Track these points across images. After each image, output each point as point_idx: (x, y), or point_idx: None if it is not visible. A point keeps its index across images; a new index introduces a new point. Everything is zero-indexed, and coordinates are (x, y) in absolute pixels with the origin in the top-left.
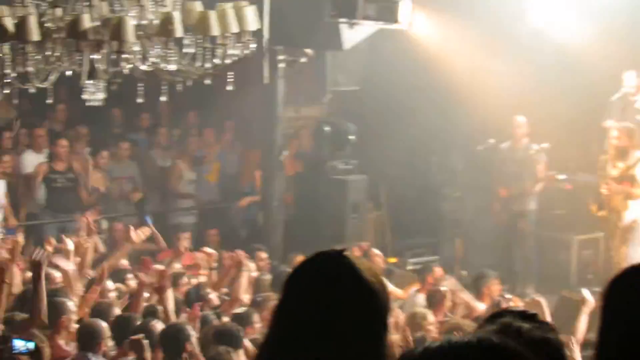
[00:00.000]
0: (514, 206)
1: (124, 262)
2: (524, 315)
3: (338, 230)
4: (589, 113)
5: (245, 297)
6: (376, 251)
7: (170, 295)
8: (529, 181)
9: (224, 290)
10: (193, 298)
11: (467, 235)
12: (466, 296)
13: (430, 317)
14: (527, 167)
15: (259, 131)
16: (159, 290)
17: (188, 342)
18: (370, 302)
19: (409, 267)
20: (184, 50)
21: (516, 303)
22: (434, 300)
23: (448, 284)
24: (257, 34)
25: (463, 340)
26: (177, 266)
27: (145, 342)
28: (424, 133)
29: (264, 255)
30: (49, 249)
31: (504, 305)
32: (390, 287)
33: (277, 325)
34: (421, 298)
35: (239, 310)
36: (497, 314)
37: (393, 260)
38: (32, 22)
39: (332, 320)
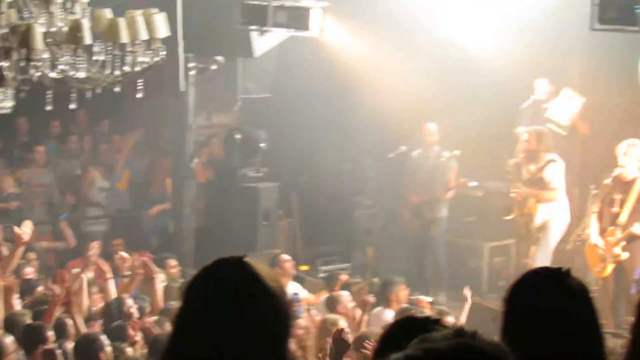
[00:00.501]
0: (425, 213)
1: (29, 271)
2: (428, 321)
3: (249, 237)
4: (500, 120)
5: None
6: (286, 257)
7: (83, 305)
8: (440, 188)
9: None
10: (114, 310)
11: (379, 243)
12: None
13: (342, 322)
14: (438, 174)
15: (170, 139)
16: (67, 305)
17: (102, 351)
18: (271, 307)
19: (321, 275)
20: (94, 57)
21: (423, 305)
22: (333, 302)
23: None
24: (170, 41)
25: (440, 347)
26: (89, 275)
27: (58, 351)
28: (336, 140)
29: (173, 262)
30: None
31: (413, 311)
32: (303, 293)
33: (178, 332)
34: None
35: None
36: (401, 321)
37: (305, 267)
38: None
39: (232, 325)
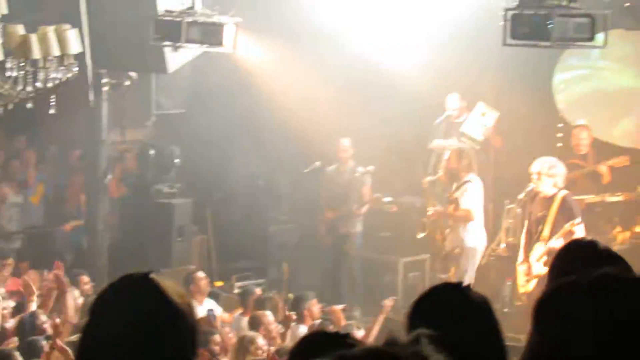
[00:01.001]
0: (340, 229)
1: None
2: (337, 335)
3: (164, 253)
4: (414, 136)
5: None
6: (201, 274)
7: None
8: (354, 203)
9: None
10: (27, 326)
11: (294, 259)
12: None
13: (260, 340)
14: (352, 189)
15: (84, 154)
16: None
17: None
18: (177, 323)
19: (236, 291)
20: (6, 74)
21: (338, 315)
22: (255, 323)
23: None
24: (81, 57)
25: (353, 353)
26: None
27: None
28: (250, 156)
29: (86, 279)
30: None
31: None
32: (218, 310)
33: (84, 348)
34: (245, 321)
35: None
36: (310, 336)
37: (219, 283)
38: None
39: (138, 342)
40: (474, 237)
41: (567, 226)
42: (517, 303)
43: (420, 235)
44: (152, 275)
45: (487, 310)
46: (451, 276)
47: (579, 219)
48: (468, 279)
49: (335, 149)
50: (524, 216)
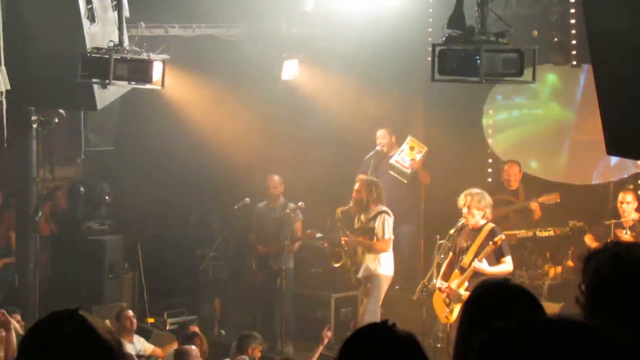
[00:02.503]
0: (271, 265)
1: None
2: None
3: (95, 290)
4: (345, 171)
5: None
6: (130, 312)
7: None
8: (286, 240)
9: None
10: None
11: (226, 295)
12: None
13: None
14: (284, 225)
15: (14, 192)
16: None
17: None
18: (106, 358)
19: (168, 327)
20: None
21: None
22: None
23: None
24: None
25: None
26: None
27: None
28: (180, 192)
29: (18, 317)
30: None
31: None
32: (148, 346)
33: None
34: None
35: None
36: None
37: (151, 320)
38: None
39: None
40: (388, 266)
41: (489, 248)
42: (440, 334)
43: (336, 265)
44: (80, 312)
45: (415, 347)
46: (363, 308)
47: (500, 236)
48: (374, 311)
49: (265, 185)
50: (450, 249)
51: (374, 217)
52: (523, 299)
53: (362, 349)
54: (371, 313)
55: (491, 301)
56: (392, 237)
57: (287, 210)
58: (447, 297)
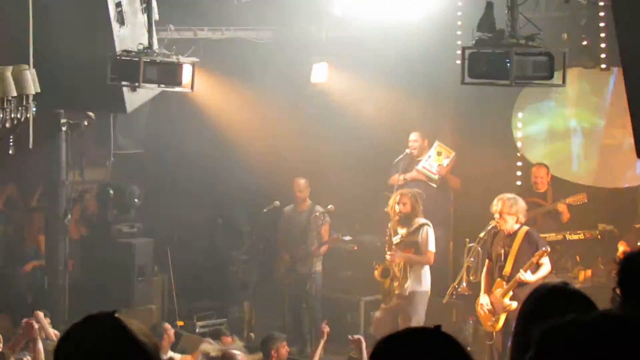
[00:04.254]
0: (300, 268)
1: None
2: None
3: (125, 293)
4: (375, 174)
5: None
6: (169, 325)
7: None
8: (314, 243)
9: None
10: None
11: (255, 298)
12: None
13: None
14: (311, 229)
15: (43, 195)
16: None
17: None
18: None
19: (198, 330)
20: None
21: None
22: None
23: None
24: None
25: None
26: None
27: None
28: (209, 195)
29: (48, 320)
30: None
31: None
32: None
33: None
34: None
35: None
36: None
37: (180, 323)
38: None
39: None
40: (429, 280)
41: (534, 259)
42: (489, 342)
43: (382, 280)
44: (117, 315)
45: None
46: (404, 320)
47: (545, 247)
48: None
49: (292, 185)
50: (484, 255)
51: (417, 230)
52: (581, 302)
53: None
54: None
55: (549, 305)
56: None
57: (317, 214)
58: (493, 308)
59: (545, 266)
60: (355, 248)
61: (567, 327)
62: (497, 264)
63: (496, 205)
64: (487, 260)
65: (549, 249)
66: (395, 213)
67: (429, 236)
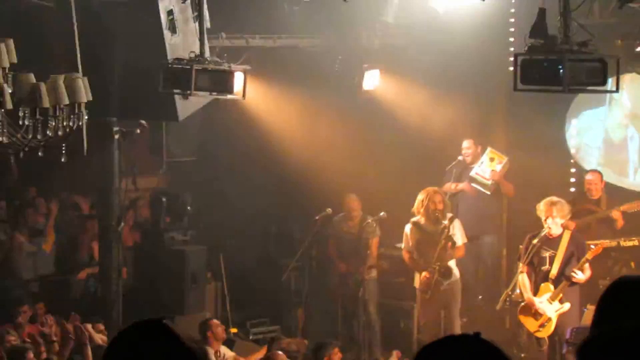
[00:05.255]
0: (354, 276)
1: None
2: None
3: (178, 300)
4: (426, 181)
5: None
6: (217, 321)
7: None
8: (366, 252)
9: None
10: None
11: (308, 304)
12: None
13: None
14: (363, 238)
15: (96, 202)
16: None
17: None
18: None
19: (251, 337)
20: (20, 122)
21: None
22: None
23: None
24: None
25: None
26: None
27: None
28: (262, 202)
29: (101, 327)
30: None
31: None
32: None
33: None
34: None
35: None
36: None
37: (234, 330)
38: None
39: None
40: (457, 271)
41: (588, 256)
42: (543, 348)
43: (446, 282)
44: (165, 321)
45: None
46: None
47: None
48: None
49: (343, 201)
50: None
51: (450, 224)
52: None
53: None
54: (457, 318)
55: (627, 299)
56: None
57: (369, 221)
58: (541, 312)
59: (588, 269)
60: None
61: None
62: (539, 268)
63: (542, 209)
64: (523, 266)
65: (596, 249)
66: (431, 211)
67: (460, 228)
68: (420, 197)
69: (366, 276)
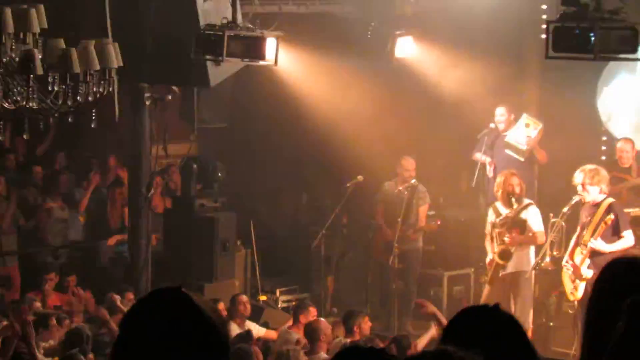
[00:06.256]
0: (401, 245)
1: None
2: (372, 350)
3: (207, 268)
4: (459, 148)
5: None
6: (245, 298)
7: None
8: (415, 220)
9: None
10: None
11: (338, 272)
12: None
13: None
14: (413, 204)
15: (127, 169)
16: (24, 338)
17: None
18: (210, 337)
19: (280, 305)
20: (49, 87)
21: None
22: (314, 336)
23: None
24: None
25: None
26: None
27: None
28: (293, 170)
29: (131, 296)
30: None
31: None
32: (260, 329)
33: None
34: (294, 335)
35: None
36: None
37: (263, 297)
38: None
39: (171, 355)
40: (532, 260)
41: (602, 225)
42: (570, 312)
43: (502, 262)
44: (184, 289)
45: (514, 331)
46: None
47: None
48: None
49: (398, 166)
50: (577, 224)
51: (523, 210)
52: None
53: (464, 331)
54: (525, 314)
55: (622, 280)
56: None
57: (417, 192)
58: (573, 273)
59: (626, 239)
60: (439, 222)
61: None
62: (581, 232)
63: (578, 177)
64: (578, 228)
65: (612, 217)
66: (508, 193)
67: (537, 215)
68: (499, 179)
69: (414, 245)
